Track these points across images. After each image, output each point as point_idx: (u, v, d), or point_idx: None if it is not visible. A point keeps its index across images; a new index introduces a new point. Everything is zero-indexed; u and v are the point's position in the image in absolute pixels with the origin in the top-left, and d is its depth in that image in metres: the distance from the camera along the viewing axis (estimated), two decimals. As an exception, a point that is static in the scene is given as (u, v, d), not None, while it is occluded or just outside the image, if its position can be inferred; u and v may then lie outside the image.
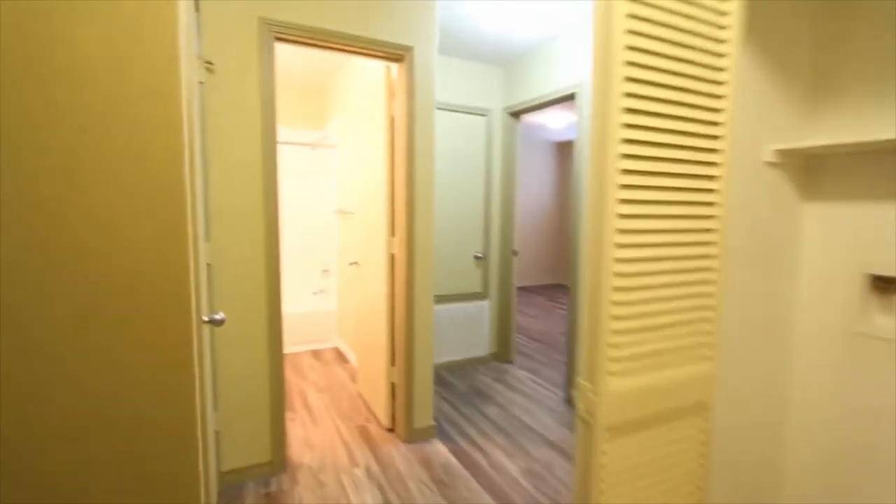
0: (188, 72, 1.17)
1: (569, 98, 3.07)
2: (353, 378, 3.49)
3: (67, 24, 0.83)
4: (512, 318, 3.85)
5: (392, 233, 2.56)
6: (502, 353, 3.86)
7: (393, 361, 2.62)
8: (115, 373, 0.91)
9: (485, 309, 3.79)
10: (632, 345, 0.98)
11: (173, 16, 0.91)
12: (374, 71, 2.69)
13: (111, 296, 0.90)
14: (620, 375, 0.97)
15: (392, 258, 2.57)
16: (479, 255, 3.71)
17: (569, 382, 3.05)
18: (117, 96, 0.88)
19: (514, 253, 3.79)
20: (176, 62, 0.92)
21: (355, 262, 3.09)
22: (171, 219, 0.99)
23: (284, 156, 4.56)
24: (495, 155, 3.74)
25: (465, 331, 3.72)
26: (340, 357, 3.99)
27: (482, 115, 3.64)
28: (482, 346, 3.83)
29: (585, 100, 2.89)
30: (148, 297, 0.94)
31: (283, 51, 3.44)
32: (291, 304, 4.63)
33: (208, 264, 1.96)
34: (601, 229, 0.94)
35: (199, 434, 1.07)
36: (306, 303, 4.65)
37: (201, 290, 1.30)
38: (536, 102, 3.34)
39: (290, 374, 3.56)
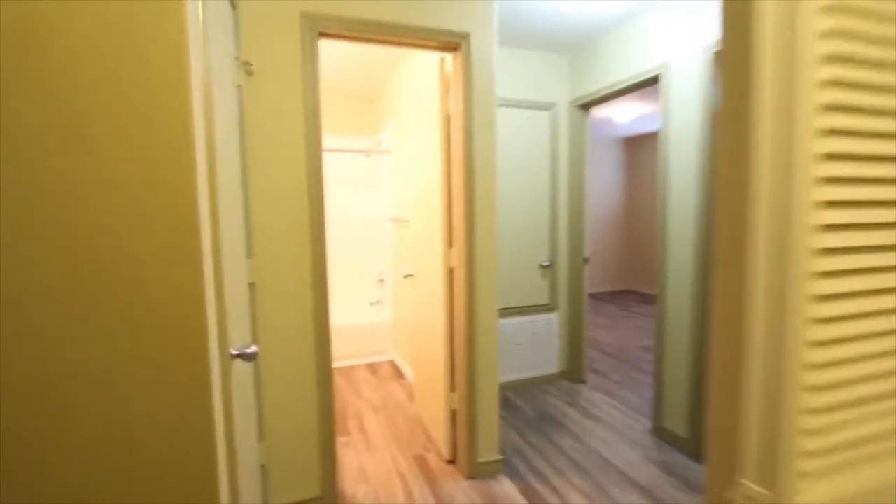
0: (208, 71, 0.98)
1: (651, 82, 2.66)
2: (410, 396, 3.27)
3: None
4: (583, 333, 3.45)
5: (450, 243, 2.30)
6: (573, 371, 3.47)
7: (452, 387, 2.35)
8: (121, 432, 0.73)
9: (553, 322, 3.43)
10: (842, 427, 0.63)
11: (179, 10, 0.73)
12: (427, 66, 2.45)
13: (105, 340, 0.72)
14: (821, 477, 0.62)
15: (450, 272, 2.31)
16: (546, 263, 3.36)
17: (657, 411, 2.62)
18: (114, 97, 0.71)
19: (585, 261, 3.40)
20: (183, 56, 0.74)
21: (410, 275, 2.87)
22: (181, 244, 0.80)
23: (338, 164, 4.47)
24: (561, 153, 3.38)
25: (532, 346, 3.38)
26: (396, 372, 3.79)
27: (546, 109, 3.30)
28: (550, 363, 3.46)
29: (673, 82, 2.47)
30: (152, 336, 0.76)
31: (334, 59, 3.31)
32: (346, 315, 4.52)
33: (251, 283, 1.80)
34: (785, 250, 0.60)
35: (219, 490, 0.87)
36: (362, 314, 4.53)
37: (227, 322, 1.10)
38: (610, 91, 2.95)
39: (345, 391, 3.40)
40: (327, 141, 4.38)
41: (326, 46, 3.19)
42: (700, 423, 2.36)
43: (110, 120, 0.72)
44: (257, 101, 1.80)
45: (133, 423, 0.78)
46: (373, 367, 3.93)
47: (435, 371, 2.49)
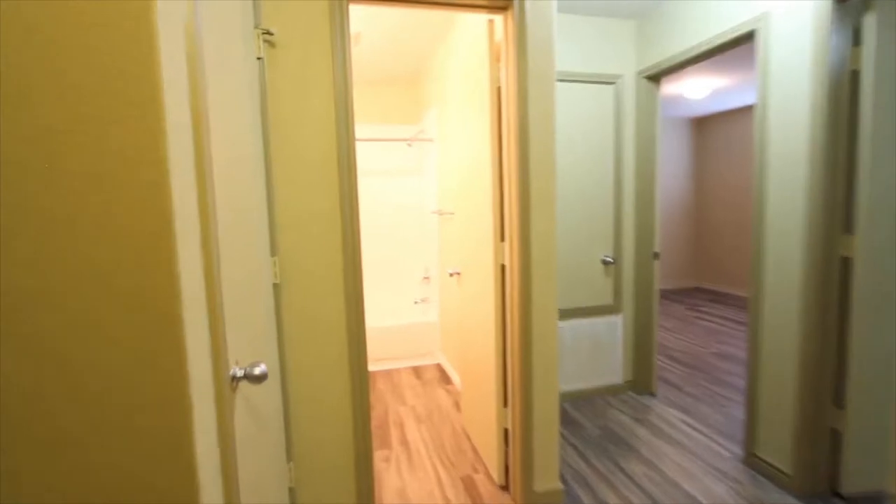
0: (194, 41, 0.73)
1: (741, 41, 2.20)
2: (457, 404, 3.00)
3: None
4: (653, 339, 3.03)
5: (501, 238, 1.99)
6: (641, 381, 3.06)
7: (505, 401, 2.06)
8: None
9: (617, 326, 3.04)
10: None
11: None
12: (474, 35, 2.14)
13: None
14: None
15: (502, 270, 2.00)
16: (609, 258, 2.97)
17: (750, 437, 2.19)
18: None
19: (656, 256, 2.97)
20: (147, 24, 0.49)
21: (456, 273, 2.58)
22: (151, 249, 0.57)
23: (379, 154, 4.26)
24: (627, 133, 2.96)
25: (593, 353, 3.01)
26: (443, 376, 3.54)
27: (609, 83, 2.89)
28: (614, 371, 3.07)
29: (774, 39, 2.01)
30: (115, 367, 0.53)
31: (372, 42, 3.08)
32: (389, 315, 4.33)
33: (275, 284, 1.59)
34: None
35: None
36: (406, 314, 4.31)
37: (225, 340, 0.86)
38: (687, 56, 2.51)
39: (387, 396, 3.19)
40: (366, 131, 4.18)
41: (363, 23, 2.95)
42: (813, 455, 1.92)
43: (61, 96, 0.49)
44: (280, 76, 1.58)
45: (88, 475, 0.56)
46: (418, 371, 3.70)
47: (484, 382, 2.20)
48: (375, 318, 4.32)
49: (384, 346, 3.74)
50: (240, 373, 1.00)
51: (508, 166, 1.89)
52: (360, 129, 4.17)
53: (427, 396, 3.16)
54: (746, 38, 2.17)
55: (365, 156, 4.24)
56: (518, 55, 1.80)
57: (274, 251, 1.57)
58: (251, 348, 1.24)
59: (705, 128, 6.41)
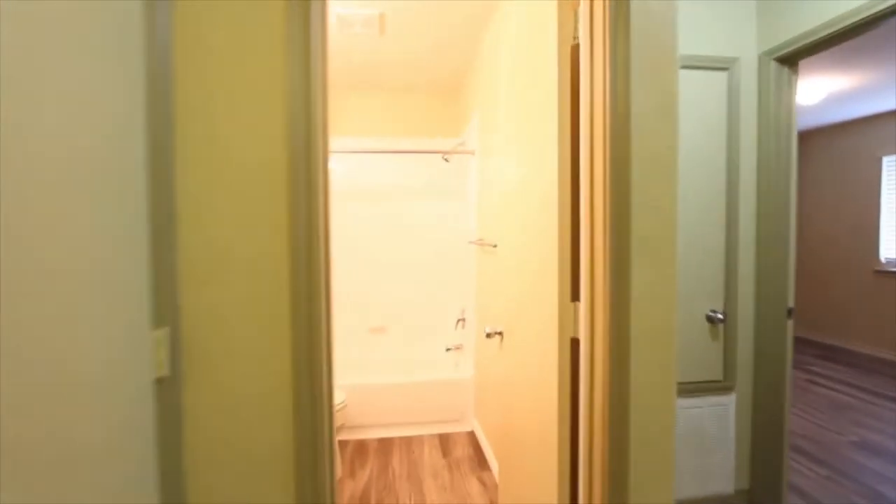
0: None
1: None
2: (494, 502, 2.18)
3: None
4: (783, 431, 2.10)
5: (572, 295, 1.21)
6: (762, 491, 2.12)
7: (574, 566, 1.23)
8: None
9: (728, 410, 2.13)
10: None
11: None
12: (532, 9, 1.42)
13: None
14: None
15: (573, 346, 1.22)
16: (718, 314, 2.09)
17: None
18: None
19: (789, 313, 2.06)
20: None
21: (497, 333, 1.80)
22: None
23: (411, 171, 3.59)
24: (745, 138, 2.11)
25: (692, 447, 2.11)
26: (476, 453, 2.72)
27: (720, 68, 2.07)
28: (723, 475, 2.15)
29: None
30: None
31: (400, 30, 2.44)
32: (415, 367, 3.58)
33: (159, 380, 0.89)
34: None
35: None
36: (435, 366, 3.55)
37: None
38: (846, 24, 1.66)
39: (402, 482, 2.41)
40: (392, 143, 3.53)
41: (387, 3, 2.31)
42: None
43: None
44: (197, 30, 0.91)
45: None
46: (445, 442, 2.90)
47: (540, 492, 1.39)
48: (396, 371, 3.59)
49: (405, 407, 2.98)
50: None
51: (589, 186, 1.12)
52: (385, 142, 3.53)
53: (454, 490, 2.35)
54: None
55: (389, 173, 3.59)
56: (611, 27, 1.05)
57: (160, 318, 0.87)
58: None
59: (812, 144, 5.31)
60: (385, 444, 2.85)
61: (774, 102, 2.05)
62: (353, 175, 3.56)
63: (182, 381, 0.89)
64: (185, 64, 0.92)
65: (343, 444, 2.82)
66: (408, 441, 2.90)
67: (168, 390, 0.86)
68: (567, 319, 1.22)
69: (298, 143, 0.97)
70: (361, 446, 2.82)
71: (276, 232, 0.94)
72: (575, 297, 1.20)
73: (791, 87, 2.04)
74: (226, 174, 0.94)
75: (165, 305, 0.84)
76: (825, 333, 5.14)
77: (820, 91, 3.74)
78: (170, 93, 0.90)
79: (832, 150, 5.05)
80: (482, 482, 2.41)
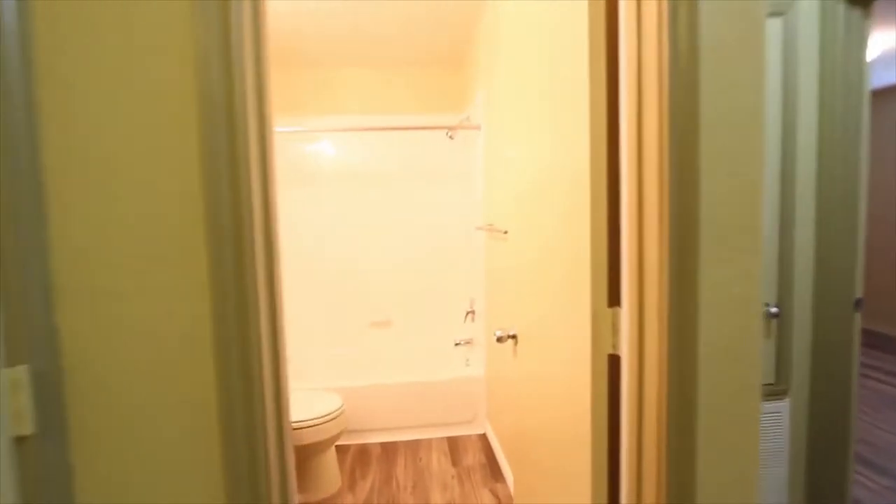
0: None
1: None
2: (512, 527, 1.94)
3: None
4: (848, 440, 1.82)
5: (611, 299, 0.92)
6: (820, 511, 1.84)
7: None
8: None
9: (782, 416, 1.84)
10: None
11: None
12: None
13: None
14: None
15: (612, 364, 0.93)
16: (771, 308, 1.79)
17: None
18: None
19: (857, 305, 1.75)
20: None
21: (510, 337, 1.52)
22: None
23: (411, 151, 3.29)
24: (805, 98, 1.77)
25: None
26: (489, 460, 2.47)
27: (774, 13, 1.73)
28: (776, 488, 1.87)
29: None
30: None
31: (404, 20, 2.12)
32: (421, 366, 3.33)
33: (20, 439, 0.63)
34: None
35: None
36: (444, 365, 3.29)
37: None
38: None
39: (405, 495, 2.17)
40: (391, 120, 3.23)
41: None
42: None
43: None
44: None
45: None
46: (455, 446, 2.66)
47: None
48: (401, 369, 3.34)
49: (411, 409, 2.74)
50: None
51: (637, 154, 0.82)
52: (383, 119, 3.23)
53: (464, 502, 2.11)
54: None
55: (387, 154, 3.30)
56: None
57: (14, 350, 0.60)
58: None
59: (885, 105, 4.70)
60: (389, 450, 2.62)
61: (842, 54, 1.70)
62: (349, 156, 3.27)
63: (63, 436, 0.63)
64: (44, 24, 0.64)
65: (343, 448, 2.60)
66: (414, 446, 2.67)
67: (38, 454, 0.60)
68: (603, 329, 0.94)
69: (213, 114, 0.69)
70: (363, 452, 2.60)
71: (184, 159, 0.67)
72: (614, 301, 0.92)
73: (862, 34, 1.69)
74: (107, 167, 0.66)
75: (21, 329, 0.57)
76: (876, 321, 4.75)
77: (876, 46, 3.31)
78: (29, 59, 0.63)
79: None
80: (495, 495, 2.16)
